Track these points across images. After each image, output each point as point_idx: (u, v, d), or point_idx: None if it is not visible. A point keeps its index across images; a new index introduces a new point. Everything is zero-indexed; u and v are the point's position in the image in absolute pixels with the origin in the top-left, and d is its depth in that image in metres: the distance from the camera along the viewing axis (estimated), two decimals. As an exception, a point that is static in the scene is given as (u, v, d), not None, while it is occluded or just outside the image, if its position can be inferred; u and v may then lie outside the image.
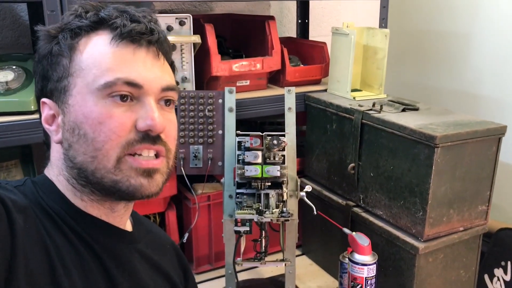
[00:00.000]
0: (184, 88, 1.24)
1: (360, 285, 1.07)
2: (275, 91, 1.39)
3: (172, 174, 1.24)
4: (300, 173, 1.42)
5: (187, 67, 1.23)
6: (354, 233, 1.10)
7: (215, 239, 1.35)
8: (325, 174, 1.35)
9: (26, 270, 0.55)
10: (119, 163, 0.62)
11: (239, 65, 1.32)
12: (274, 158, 1.02)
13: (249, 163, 1.01)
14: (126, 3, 0.69)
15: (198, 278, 1.29)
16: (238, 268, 1.10)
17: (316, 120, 1.36)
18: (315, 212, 1.08)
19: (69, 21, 0.66)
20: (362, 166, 1.19)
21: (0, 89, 1.06)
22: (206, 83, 1.34)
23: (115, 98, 0.62)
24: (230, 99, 1.20)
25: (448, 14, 1.80)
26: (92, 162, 0.62)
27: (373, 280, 1.07)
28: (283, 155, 1.04)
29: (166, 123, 0.66)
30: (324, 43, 1.51)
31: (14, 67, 1.11)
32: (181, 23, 1.21)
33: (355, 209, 1.22)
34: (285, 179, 1.03)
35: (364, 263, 1.06)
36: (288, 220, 1.01)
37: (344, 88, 1.35)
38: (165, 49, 0.68)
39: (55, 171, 0.67)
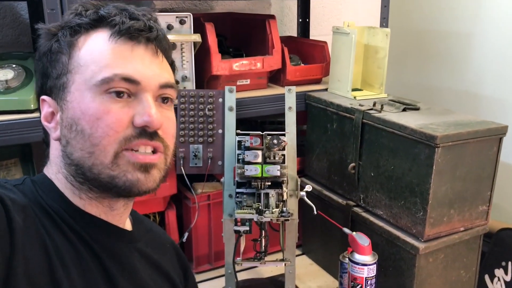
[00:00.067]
0: (184, 87, 1.24)
1: (360, 285, 1.07)
2: (275, 90, 1.39)
3: (172, 173, 1.24)
4: (300, 172, 1.42)
5: (187, 66, 1.23)
6: (354, 233, 1.10)
7: (215, 239, 1.35)
8: (325, 174, 1.35)
9: (25, 269, 0.55)
10: (116, 158, 0.62)
11: (239, 64, 1.31)
12: (274, 158, 1.02)
13: (249, 163, 1.01)
14: (126, 2, 0.69)
15: (197, 277, 1.28)
16: (237, 267, 1.10)
17: (317, 120, 1.36)
18: (315, 212, 1.08)
19: (69, 19, 0.67)
20: (363, 166, 1.19)
21: (0, 88, 1.06)
22: (207, 82, 1.34)
23: (112, 94, 0.62)
24: (230, 98, 1.20)
25: (449, 13, 1.80)
26: (89, 158, 0.62)
27: (373, 280, 1.07)
28: (283, 155, 1.03)
29: (164, 120, 0.66)
30: (325, 42, 1.51)
31: (14, 65, 1.11)
32: (182, 22, 1.20)
33: (355, 209, 1.22)
34: (285, 178, 1.03)
35: (364, 263, 1.06)
36: (288, 220, 1.01)
37: (345, 87, 1.35)
38: (164, 47, 0.69)
39: (54, 169, 0.67)
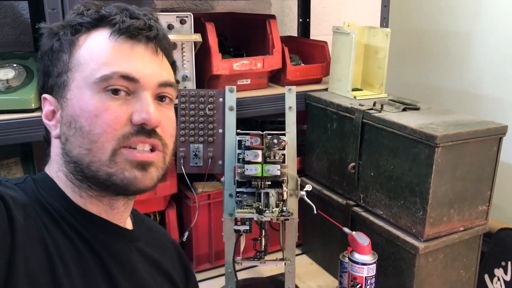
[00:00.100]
0: (185, 87, 1.24)
1: (360, 285, 1.07)
2: (275, 90, 1.39)
3: (172, 173, 1.25)
4: (301, 172, 1.42)
5: (187, 66, 1.23)
6: (354, 232, 1.10)
7: (215, 238, 1.36)
8: (325, 174, 1.35)
9: (26, 267, 0.55)
10: (114, 155, 0.62)
11: (239, 64, 1.31)
12: (274, 157, 1.02)
13: (249, 162, 1.01)
14: (127, 2, 0.69)
15: (198, 276, 1.28)
16: (238, 267, 1.10)
17: (317, 119, 1.36)
18: (315, 211, 1.08)
19: (71, 18, 0.67)
20: (363, 166, 1.19)
21: (0, 87, 1.06)
22: (207, 82, 1.34)
23: (111, 92, 0.63)
24: (231, 98, 1.20)
25: (449, 13, 1.80)
26: (87, 155, 0.63)
27: (373, 280, 1.07)
28: (283, 154, 1.04)
29: (162, 118, 0.66)
30: (325, 42, 1.51)
31: (15, 65, 1.11)
32: (182, 22, 1.21)
33: (355, 208, 1.22)
34: (285, 178, 1.03)
35: (364, 262, 1.06)
36: (288, 219, 1.01)
37: (345, 87, 1.35)
38: (164, 46, 0.69)
39: (55, 167, 0.68)
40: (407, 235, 1.07)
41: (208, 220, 1.35)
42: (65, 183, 0.67)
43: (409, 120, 1.08)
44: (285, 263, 1.13)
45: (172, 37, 1.11)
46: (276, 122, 1.50)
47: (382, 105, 1.17)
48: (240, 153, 1.03)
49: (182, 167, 1.21)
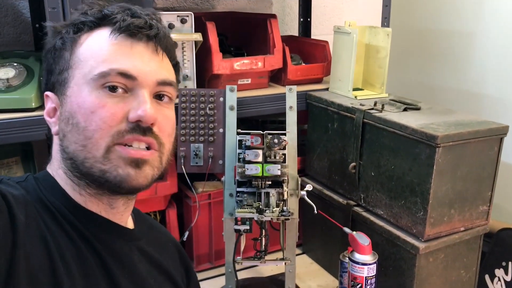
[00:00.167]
0: (185, 86, 1.24)
1: (360, 285, 1.07)
2: (276, 90, 1.39)
3: (173, 172, 1.25)
4: (301, 172, 1.42)
5: (188, 65, 1.23)
6: (354, 232, 1.10)
7: (215, 238, 1.36)
8: (326, 173, 1.35)
9: (26, 266, 0.55)
10: (108, 152, 0.62)
11: (240, 64, 1.31)
12: (274, 157, 1.02)
13: (250, 162, 1.01)
14: (128, 1, 0.69)
15: (198, 276, 1.28)
16: (238, 266, 1.10)
17: (318, 119, 1.36)
18: (315, 211, 1.08)
19: (74, 18, 0.68)
20: (363, 166, 1.19)
21: (1, 86, 1.06)
22: (208, 81, 1.34)
23: (108, 89, 0.63)
24: (231, 97, 1.20)
25: (451, 12, 1.79)
26: (82, 151, 0.63)
27: (373, 280, 1.07)
28: (284, 154, 1.04)
29: (160, 117, 0.66)
30: (326, 41, 1.51)
31: (15, 64, 1.11)
32: (183, 21, 1.21)
33: (356, 208, 1.22)
34: (286, 178, 1.03)
35: (364, 262, 1.06)
36: (288, 219, 1.01)
37: (346, 87, 1.35)
38: (165, 45, 0.69)
39: (55, 165, 0.68)
40: (407, 235, 1.07)
41: (209, 220, 1.35)
42: (65, 181, 0.67)
43: (410, 120, 1.08)
44: (285, 263, 1.13)
45: (172, 36, 1.10)
46: (277, 122, 1.50)
47: (383, 105, 1.17)
48: (241, 153, 1.03)
49: (183, 166, 1.20)
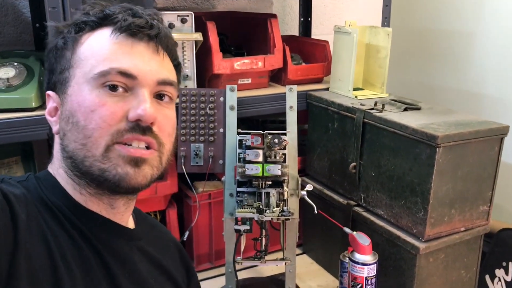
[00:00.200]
0: (186, 86, 1.24)
1: (360, 285, 1.07)
2: (276, 90, 1.39)
3: (173, 172, 1.24)
4: (301, 172, 1.42)
5: (188, 65, 1.23)
6: (354, 232, 1.10)
7: (215, 238, 1.35)
8: (326, 173, 1.35)
9: (27, 265, 0.55)
10: (108, 151, 0.62)
11: (240, 63, 1.31)
12: (275, 157, 1.02)
13: (250, 162, 1.01)
14: (129, 1, 0.70)
15: (198, 276, 1.28)
16: (238, 266, 1.10)
17: (318, 119, 1.36)
18: (316, 211, 1.08)
19: (76, 17, 0.68)
20: (364, 165, 1.19)
21: (1, 86, 1.06)
22: (208, 81, 1.34)
23: (109, 88, 0.63)
24: (232, 97, 1.20)
25: (451, 12, 1.79)
26: (81, 150, 0.63)
27: (374, 280, 1.07)
28: (284, 154, 1.03)
29: (160, 117, 0.66)
30: (326, 41, 1.51)
31: (15, 63, 1.11)
32: (183, 21, 1.20)
33: (356, 208, 1.22)
34: (286, 178, 1.03)
35: (365, 262, 1.05)
36: (288, 219, 1.01)
37: (346, 87, 1.35)
38: (166, 45, 0.69)
39: (56, 164, 0.68)
40: (407, 235, 1.07)
41: (209, 220, 1.35)
42: (66, 181, 0.67)
43: (410, 120, 1.08)
44: (285, 263, 1.13)
45: (173, 36, 1.10)
46: (277, 122, 1.50)
47: (383, 105, 1.17)
48: (241, 153, 1.03)
49: (183, 166, 1.20)
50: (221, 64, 1.28)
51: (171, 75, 0.70)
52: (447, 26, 1.81)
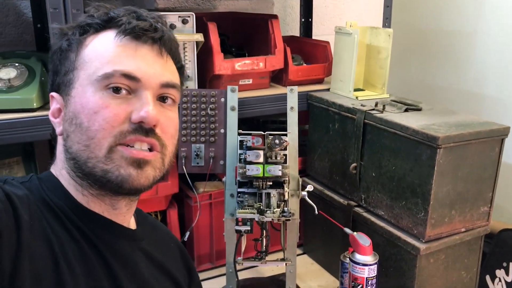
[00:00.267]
0: (187, 87, 1.24)
1: (361, 285, 1.07)
2: (277, 90, 1.39)
3: (174, 173, 1.25)
4: (302, 172, 1.42)
5: (189, 66, 1.23)
6: (355, 233, 1.10)
7: (216, 238, 1.36)
8: (327, 174, 1.35)
9: (30, 266, 0.55)
10: (111, 152, 0.63)
11: (241, 64, 1.31)
12: (275, 158, 1.02)
13: (251, 162, 1.01)
14: (129, 2, 0.70)
15: (199, 276, 1.29)
16: (238, 267, 1.10)
17: (319, 120, 1.36)
18: (316, 212, 1.08)
19: (81, 20, 0.69)
20: (364, 166, 1.19)
21: (2, 86, 1.06)
22: (209, 82, 1.34)
23: (112, 90, 0.63)
24: (233, 97, 1.20)
25: (452, 13, 1.79)
26: (85, 151, 0.63)
27: (374, 281, 1.07)
28: (285, 155, 1.03)
29: (163, 118, 0.66)
30: (327, 42, 1.51)
31: (17, 64, 1.11)
32: (184, 22, 1.21)
33: (357, 209, 1.22)
34: (287, 178, 1.03)
35: (365, 263, 1.06)
36: (289, 220, 1.01)
37: (347, 87, 1.35)
38: (169, 48, 0.69)
39: (59, 165, 0.69)
40: (408, 236, 1.07)
41: (209, 220, 1.35)
42: (68, 182, 0.67)
43: (411, 120, 1.08)
44: (286, 263, 1.13)
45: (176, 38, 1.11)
46: (278, 122, 1.50)
47: (384, 106, 1.17)
48: (242, 153, 1.03)
49: (184, 167, 1.21)
50: (222, 64, 1.28)
51: (174, 78, 0.70)
52: (448, 27, 1.81)
